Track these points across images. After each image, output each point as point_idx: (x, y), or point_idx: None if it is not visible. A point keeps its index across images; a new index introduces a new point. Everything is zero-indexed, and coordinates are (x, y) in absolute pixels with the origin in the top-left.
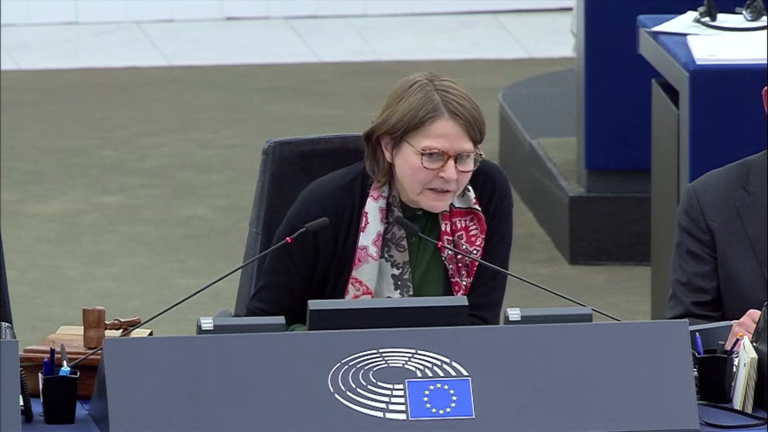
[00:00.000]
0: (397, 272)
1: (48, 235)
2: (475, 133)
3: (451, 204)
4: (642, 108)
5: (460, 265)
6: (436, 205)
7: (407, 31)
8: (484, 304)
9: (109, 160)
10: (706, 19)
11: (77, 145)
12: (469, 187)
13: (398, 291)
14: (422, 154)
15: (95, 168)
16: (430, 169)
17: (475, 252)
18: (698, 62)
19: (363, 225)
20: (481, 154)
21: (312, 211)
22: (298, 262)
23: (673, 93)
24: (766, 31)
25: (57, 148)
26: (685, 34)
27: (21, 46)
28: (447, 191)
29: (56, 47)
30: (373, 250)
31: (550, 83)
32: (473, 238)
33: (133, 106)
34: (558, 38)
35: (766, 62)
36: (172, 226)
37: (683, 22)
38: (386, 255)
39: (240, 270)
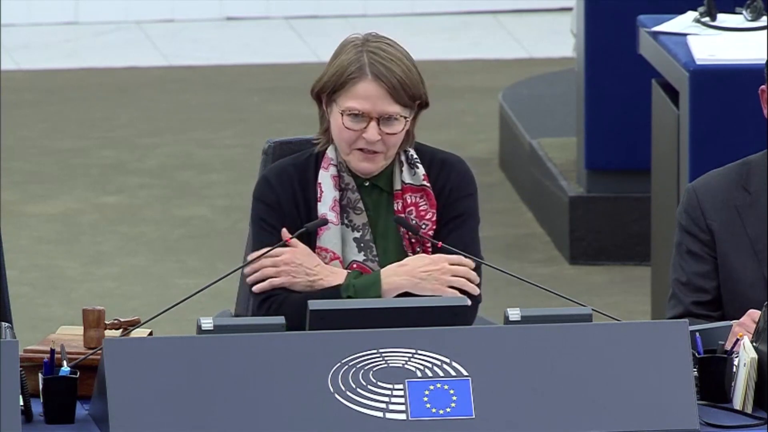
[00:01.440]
0: (358, 235)
1: (48, 235)
2: (401, 96)
3: (402, 181)
4: (642, 108)
5: (413, 240)
6: (365, 166)
7: (407, 31)
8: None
9: (109, 160)
10: (706, 19)
11: (77, 145)
12: (419, 165)
13: (362, 253)
14: (343, 114)
15: (95, 168)
16: (352, 129)
17: (424, 226)
18: (698, 62)
19: (319, 195)
20: (405, 117)
21: (267, 187)
22: (271, 239)
23: (673, 93)
24: (766, 31)
25: (57, 148)
26: (685, 34)
27: (21, 46)
28: (374, 152)
29: (56, 47)
30: (332, 215)
31: (550, 83)
32: (422, 213)
33: (133, 106)
34: (558, 38)
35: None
36: (172, 226)
37: (683, 22)
38: (346, 221)
39: (240, 270)
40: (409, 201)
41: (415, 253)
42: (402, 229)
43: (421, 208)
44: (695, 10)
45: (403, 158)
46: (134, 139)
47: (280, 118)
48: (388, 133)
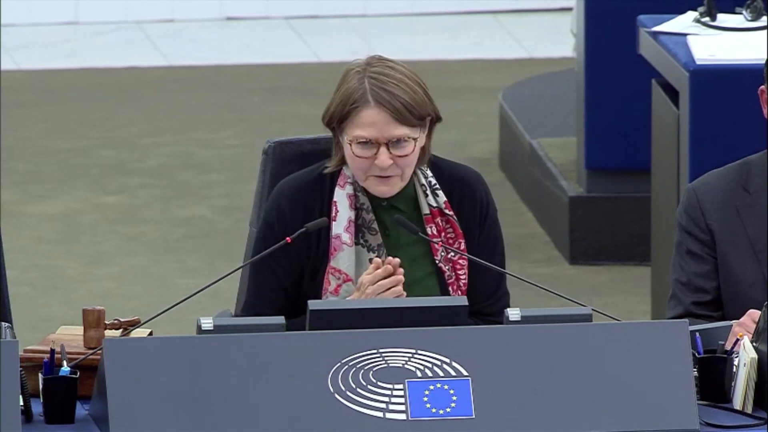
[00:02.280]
0: (373, 255)
1: (48, 235)
2: (407, 118)
3: (430, 204)
4: (642, 108)
5: (441, 256)
6: (382, 190)
7: (407, 31)
8: (497, 311)
9: (109, 160)
10: (706, 19)
11: (77, 145)
12: (439, 193)
13: None
14: (352, 143)
15: (95, 168)
16: (363, 157)
17: (453, 255)
18: (698, 62)
19: (334, 214)
20: (415, 138)
21: (282, 207)
22: (278, 260)
23: (673, 93)
24: (766, 31)
25: (57, 148)
26: (685, 34)
27: (21, 46)
28: (389, 176)
29: (56, 47)
30: (347, 237)
31: (550, 83)
32: (451, 241)
33: (133, 106)
34: (558, 38)
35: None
36: (172, 226)
37: (683, 22)
38: (362, 241)
39: (240, 270)
40: (441, 225)
41: (439, 271)
42: (439, 258)
43: (449, 235)
44: (695, 10)
45: (424, 181)
46: (134, 139)
47: (280, 118)
48: (399, 156)
